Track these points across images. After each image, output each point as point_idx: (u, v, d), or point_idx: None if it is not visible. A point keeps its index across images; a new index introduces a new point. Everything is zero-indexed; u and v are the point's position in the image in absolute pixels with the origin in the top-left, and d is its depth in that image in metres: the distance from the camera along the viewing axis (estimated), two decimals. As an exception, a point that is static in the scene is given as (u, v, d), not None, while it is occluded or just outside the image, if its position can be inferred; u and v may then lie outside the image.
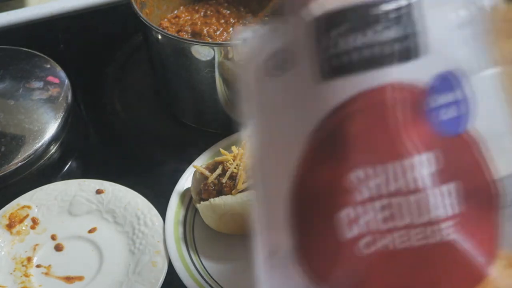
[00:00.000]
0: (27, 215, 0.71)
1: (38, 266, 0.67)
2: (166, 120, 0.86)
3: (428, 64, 0.34)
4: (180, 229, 0.68)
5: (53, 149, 0.79)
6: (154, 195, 0.72)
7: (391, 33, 0.33)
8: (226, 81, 0.73)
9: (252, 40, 0.39)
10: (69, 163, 0.81)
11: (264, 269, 0.36)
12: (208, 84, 0.74)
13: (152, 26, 0.73)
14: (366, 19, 0.33)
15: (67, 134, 0.81)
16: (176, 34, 0.80)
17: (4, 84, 0.84)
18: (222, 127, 0.78)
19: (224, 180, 0.66)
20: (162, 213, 0.69)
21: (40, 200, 0.72)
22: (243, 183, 0.64)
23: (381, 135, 0.33)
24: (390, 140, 0.33)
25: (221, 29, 0.83)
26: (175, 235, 0.67)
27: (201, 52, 0.71)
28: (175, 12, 0.87)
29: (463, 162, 0.35)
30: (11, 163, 0.75)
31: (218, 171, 0.67)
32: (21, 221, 0.71)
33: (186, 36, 0.81)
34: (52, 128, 0.79)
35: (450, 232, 0.33)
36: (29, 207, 0.72)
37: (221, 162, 0.67)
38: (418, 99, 0.34)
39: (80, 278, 0.65)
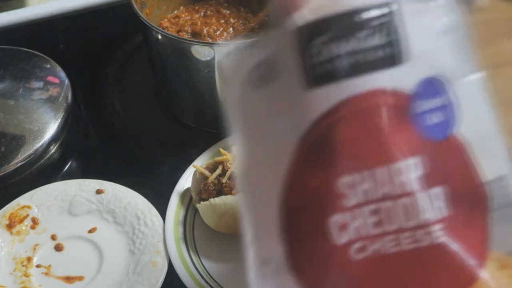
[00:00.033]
0: (27, 215, 0.71)
1: (38, 266, 0.67)
2: (166, 120, 0.86)
3: (411, 70, 0.34)
4: (180, 229, 0.68)
5: (53, 149, 0.80)
6: (154, 195, 0.72)
7: (374, 40, 0.34)
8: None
9: (236, 53, 0.39)
10: (69, 163, 0.81)
11: (256, 278, 0.36)
12: (208, 84, 0.74)
13: (152, 26, 0.73)
14: (348, 27, 0.34)
15: (67, 134, 0.81)
16: (176, 34, 0.80)
17: (4, 84, 0.84)
18: (222, 127, 0.78)
19: (224, 180, 0.66)
20: (162, 213, 0.69)
21: (40, 200, 0.72)
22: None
23: (367, 141, 0.34)
24: (377, 145, 0.34)
25: (221, 29, 0.83)
26: (175, 235, 0.67)
27: (201, 52, 0.71)
28: (175, 12, 0.87)
29: (450, 166, 0.35)
30: (11, 163, 0.75)
31: (218, 171, 0.67)
32: (21, 221, 0.71)
33: (186, 36, 0.81)
34: (52, 128, 0.79)
35: (439, 235, 0.33)
36: (29, 207, 0.72)
37: (221, 162, 0.68)
38: (403, 105, 0.34)
39: (80, 278, 0.65)
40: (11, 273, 0.66)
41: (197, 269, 0.64)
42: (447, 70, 0.35)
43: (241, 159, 0.38)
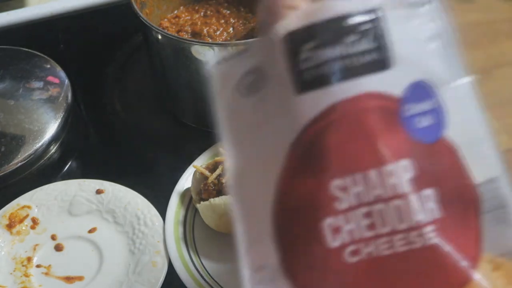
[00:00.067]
0: (27, 215, 0.71)
1: (38, 266, 0.67)
2: (166, 120, 0.86)
3: (400, 75, 0.35)
4: (180, 229, 0.68)
5: (53, 149, 0.80)
6: (154, 195, 0.72)
7: (361, 45, 0.34)
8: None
9: (223, 63, 0.40)
10: (69, 163, 0.81)
11: (251, 285, 0.36)
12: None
13: (152, 26, 0.73)
14: (335, 33, 0.34)
15: (67, 134, 0.81)
16: (176, 34, 0.80)
17: (4, 84, 0.84)
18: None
19: (224, 180, 0.66)
20: (162, 213, 0.69)
21: (40, 200, 0.72)
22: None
23: (358, 143, 0.34)
24: (367, 147, 0.34)
25: (221, 29, 0.83)
26: (175, 235, 0.67)
27: (201, 52, 0.71)
28: (175, 12, 0.87)
29: (441, 168, 0.35)
30: (11, 163, 0.75)
31: (218, 171, 0.67)
32: (21, 221, 0.71)
33: (186, 36, 0.81)
34: (52, 128, 0.79)
35: (432, 237, 0.33)
36: (29, 207, 0.72)
37: (221, 162, 0.68)
38: (392, 108, 0.35)
39: (80, 278, 0.65)
40: (11, 273, 0.66)
41: (197, 269, 0.64)
42: (435, 75, 0.35)
43: (232, 168, 0.38)
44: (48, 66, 0.86)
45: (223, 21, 0.84)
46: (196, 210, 0.69)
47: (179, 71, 0.76)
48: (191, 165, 0.72)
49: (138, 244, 0.67)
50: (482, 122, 0.36)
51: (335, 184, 0.34)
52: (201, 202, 0.66)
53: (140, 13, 0.74)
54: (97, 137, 0.89)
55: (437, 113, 0.35)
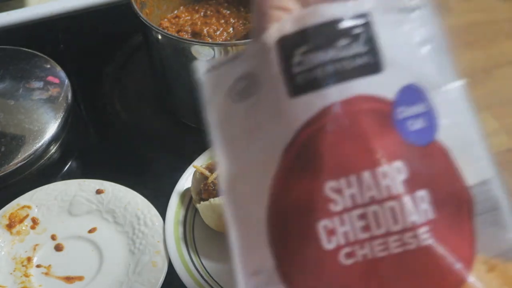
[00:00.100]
0: (27, 215, 0.71)
1: (38, 266, 0.67)
2: (166, 120, 0.86)
3: (391, 78, 0.35)
4: (180, 229, 0.68)
5: (53, 149, 0.80)
6: (154, 195, 0.72)
7: (352, 49, 0.35)
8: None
9: (215, 69, 0.40)
10: (69, 163, 0.81)
11: None
12: (208, 84, 0.74)
13: (152, 26, 0.73)
14: (327, 37, 0.35)
15: (67, 134, 0.81)
16: (176, 34, 0.80)
17: (4, 84, 0.84)
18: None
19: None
20: (162, 213, 0.69)
21: (40, 200, 0.72)
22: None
23: (351, 145, 0.34)
24: (360, 149, 0.34)
25: (221, 29, 0.83)
26: (175, 235, 0.67)
27: (201, 52, 0.71)
28: (175, 12, 0.87)
29: (434, 170, 0.35)
30: (11, 163, 0.75)
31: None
32: (21, 221, 0.71)
33: (186, 36, 0.81)
34: (52, 128, 0.79)
35: (426, 238, 0.34)
36: (29, 207, 0.72)
37: (221, 162, 0.67)
38: (384, 111, 0.35)
39: (80, 278, 0.66)
40: (11, 273, 0.66)
41: (197, 269, 0.64)
42: (426, 79, 0.36)
43: (225, 173, 0.38)
44: (48, 66, 0.87)
45: (223, 21, 0.84)
46: (196, 210, 0.69)
47: (179, 71, 0.76)
48: (191, 165, 0.72)
49: (138, 244, 0.67)
50: (474, 125, 0.36)
51: (330, 186, 0.34)
52: (201, 202, 0.66)
53: (140, 13, 0.74)
54: (97, 137, 0.90)
55: (429, 116, 0.36)
